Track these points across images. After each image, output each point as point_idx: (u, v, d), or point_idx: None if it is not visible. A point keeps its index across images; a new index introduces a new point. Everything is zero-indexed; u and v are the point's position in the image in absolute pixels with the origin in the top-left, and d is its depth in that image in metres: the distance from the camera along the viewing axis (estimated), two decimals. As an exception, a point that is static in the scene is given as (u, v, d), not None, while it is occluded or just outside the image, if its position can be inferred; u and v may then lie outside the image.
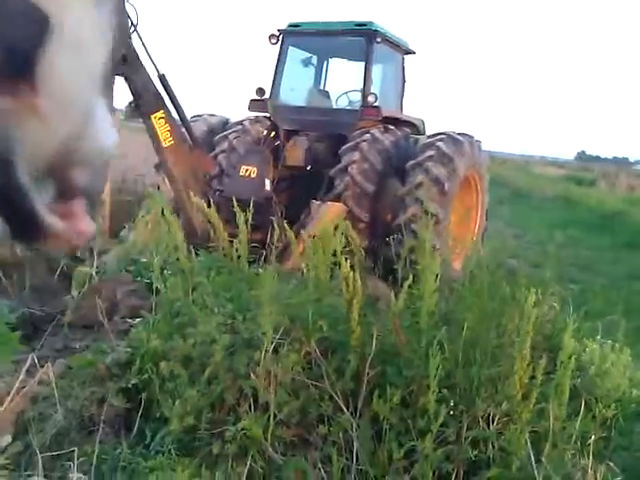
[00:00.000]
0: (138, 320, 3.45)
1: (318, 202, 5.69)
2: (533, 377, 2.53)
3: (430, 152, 6.14)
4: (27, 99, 0.78)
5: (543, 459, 2.39)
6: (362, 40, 6.92)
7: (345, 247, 3.35)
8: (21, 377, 2.76)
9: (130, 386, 2.86)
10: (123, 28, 5.07)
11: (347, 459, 2.48)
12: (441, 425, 2.36)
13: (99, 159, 1.03)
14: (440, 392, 2.42)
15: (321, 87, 7.82)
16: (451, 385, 2.58)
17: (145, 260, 4.35)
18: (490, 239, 6.87)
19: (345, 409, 2.58)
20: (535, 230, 12.77)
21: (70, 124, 0.96)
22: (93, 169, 1.01)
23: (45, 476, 2.39)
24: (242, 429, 2.51)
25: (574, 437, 2.57)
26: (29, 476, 2.40)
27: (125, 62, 5.09)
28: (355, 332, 2.71)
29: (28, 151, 0.84)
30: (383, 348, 2.72)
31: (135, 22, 5.15)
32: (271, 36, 7.20)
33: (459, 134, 6.50)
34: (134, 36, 5.15)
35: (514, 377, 2.49)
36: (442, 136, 6.37)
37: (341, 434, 2.55)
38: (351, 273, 2.81)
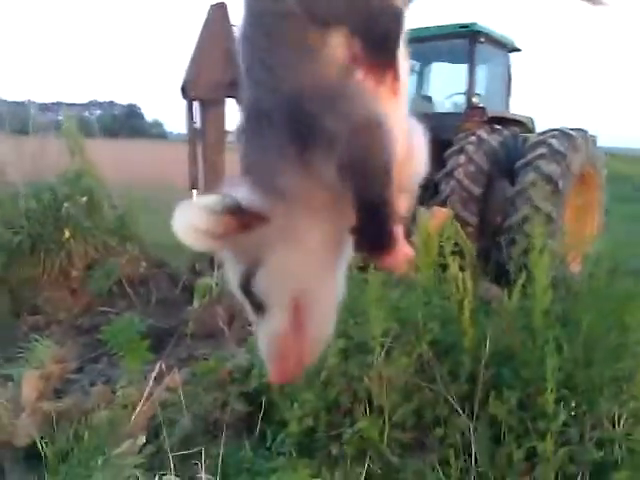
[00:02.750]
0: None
1: (423, 208, 5.64)
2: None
3: (541, 150, 5.88)
4: (390, 83, 0.91)
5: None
6: (465, 42, 6.75)
7: (455, 250, 3.32)
8: (150, 384, 2.96)
9: (251, 390, 2.98)
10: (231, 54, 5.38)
11: (465, 461, 2.46)
12: (563, 426, 2.29)
13: (414, 185, 1.09)
14: (559, 392, 2.34)
15: (424, 93, 7.75)
16: (571, 386, 2.48)
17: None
18: (609, 238, 6.48)
19: (461, 411, 2.56)
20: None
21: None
22: (409, 196, 1.05)
23: (176, 475, 2.54)
24: (358, 431, 2.55)
25: None
26: (163, 475, 2.56)
27: (234, 85, 5.38)
28: (467, 333, 2.68)
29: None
30: (497, 349, 2.67)
31: None
32: None
33: (572, 129, 6.20)
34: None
35: (640, 375, 2.37)
36: (553, 132, 6.08)
37: (458, 436, 2.52)
38: (460, 274, 2.79)
